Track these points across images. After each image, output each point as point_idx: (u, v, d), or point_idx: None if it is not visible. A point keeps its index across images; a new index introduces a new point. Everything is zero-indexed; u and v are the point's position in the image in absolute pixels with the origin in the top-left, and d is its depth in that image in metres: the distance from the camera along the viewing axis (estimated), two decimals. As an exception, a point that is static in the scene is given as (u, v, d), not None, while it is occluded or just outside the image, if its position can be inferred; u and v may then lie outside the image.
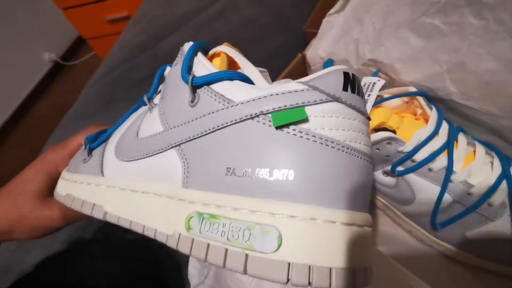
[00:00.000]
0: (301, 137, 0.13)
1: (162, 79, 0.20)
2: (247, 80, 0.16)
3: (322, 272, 0.11)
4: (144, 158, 0.18)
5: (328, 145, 0.13)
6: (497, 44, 0.22)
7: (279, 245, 0.12)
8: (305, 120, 0.13)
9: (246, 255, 0.12)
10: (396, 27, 0.26)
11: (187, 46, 0.18)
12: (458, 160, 0.23)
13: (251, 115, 0.14)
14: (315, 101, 0.13)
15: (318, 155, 0.13)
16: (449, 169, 0.23)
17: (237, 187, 0.14)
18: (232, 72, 0.15)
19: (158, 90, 0.20)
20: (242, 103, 0.14)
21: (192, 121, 0.16)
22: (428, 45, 0.24)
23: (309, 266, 0.11)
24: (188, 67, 0.17)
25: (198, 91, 0.16)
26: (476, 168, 0.23)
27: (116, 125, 0.22)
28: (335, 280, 0.11)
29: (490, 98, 0.23)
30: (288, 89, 0.14)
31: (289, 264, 0.12)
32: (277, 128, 0.13)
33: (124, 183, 0.19)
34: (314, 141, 0.13)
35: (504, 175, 0.23)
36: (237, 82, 0.15)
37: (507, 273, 0.23)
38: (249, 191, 0.13)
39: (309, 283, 0.11)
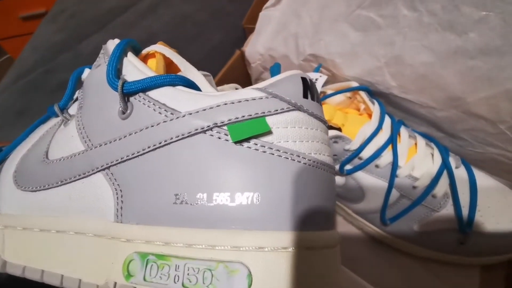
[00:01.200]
0: (264, 152, 0.12)
1: (79, 84, 0.17)
2: (192, 85, 0.14)
3: None
4: (57, 186, 0.15)
5: (294, 160, 0.12)
6: (430, 37, 0.22)
7: (249, 286, 0.10)
8: (268, 132, 0.12)
9: None
10: (333, 20, 0.24)
11: (112, 44, 0.15)
12: (402, 154, 0.22)
13: (202, 128, 0.12)
14: (276, 110, 0.12)
15: (286, 172, 0.11)
16: (394, 165, 0.22)
17: (189, 217, 0.12)
18: (174, 76, 0.13)
19: (75, 97, 0.17)
20: (190, 113, 0.12)
21: (125, 137, 0.13)
22: (365, 39, 0.24)
23: None
24: (115, 70, 0.14)
25: (131, 99, 0.13)
26: (418, 161, 0.23)
27: (14, 143, 0.18)
28: None
29: (426, 90, 0.23)
30: (245, 97, 0.12)
31: None
32: (235, 143, 0.12)
33: (28, 220, 0.15)
34: (279, 155, 0.12)
35: (444, 165, 0.23)
36: (180, 88, 0.13)
37: (453, 261, 0.24)
38: (205, 221, 0.11)
39: None
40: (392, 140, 0.24)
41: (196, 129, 0.12)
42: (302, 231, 0.11)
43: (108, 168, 0.13)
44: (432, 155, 0.24)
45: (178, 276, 0.11)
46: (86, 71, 0.16)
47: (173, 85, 0.13)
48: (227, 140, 0.12)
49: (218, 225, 0.11)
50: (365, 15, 0.24)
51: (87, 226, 0.14)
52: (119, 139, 0.13)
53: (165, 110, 0.13)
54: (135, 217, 0.13)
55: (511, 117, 0.22)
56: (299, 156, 0.12)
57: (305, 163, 0.12)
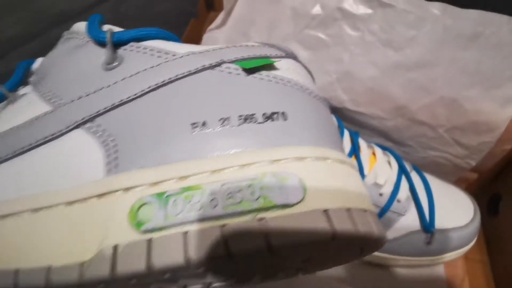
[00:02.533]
0: (277, 82, 0.12)
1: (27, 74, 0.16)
2: (176, 40, 0.14)
3: (361, 215, 0.10)
4: (2, 162, 0.12)
5: (304, 91, 0.13)
6: (373, 53, 0.24)
7: (305, 191, 0.10)
8: (274, 67, 0.13)
9: (262, 220, 0.09)
10: (283, 39, 0.25)
11: (81, 24, 0.15)
12: (364, 163, 0.23)
13: (210, 65, 0.12)
14: (276, 55, 0.13)
15: (302, 99, 0.12)
16: (361, 174, 0.22)
17: (213, 143, 0.11)
18: (168, 33, 0.14)
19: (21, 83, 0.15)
20: (194, 53, 0.12)
21: (115, 83, 0.12)
22: (316, 57, 0.25)
23: (347, 210, 0.10)
24: (99, 24, 0.14)
25: (120, 50, 0.13)
26: (379, 168, 0.24)
27: None
28: (376, 225, 0.10)
29: (375, 102, 0.25)
30: (244, 44, 0.13)
31: (326, 212, 0.09)
32: (247, 73, 0.12)
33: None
34: (291, 86, 0.12)
35: (402, 170, 0.24)
36: (171, 42, 0.13)
37: (421, 262, 0.26)
38: (231, 143, 0.11)
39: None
40: (355, 151, 0.24)
41: (203, 65, 0.12)
42: (331, 148, 0.11)
43: (92, 119, 0.12)
44: (389, 162, 0.26)
45: (215, 199, 0.09)
46: (38, 61, 0.15)
47: (166, 39, 0.13)
48: (239, 74, 0.12)
49: (249, 144, 0.11)
50: (313, 34, 0.26)
51: (56, 197, 0.11)
52: (107, 87, 0.12)
53: (165, 53, 0.12)
54: (137, 161, 0.11)
55: (447, 121, 0.25)
56: (308, 89, 0.13)
57: (309, 94, 0.13)
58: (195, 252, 0.09)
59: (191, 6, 0.41)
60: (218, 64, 0.12)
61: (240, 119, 0.11)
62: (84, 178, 0.11)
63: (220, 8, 0.31)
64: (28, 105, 0.13)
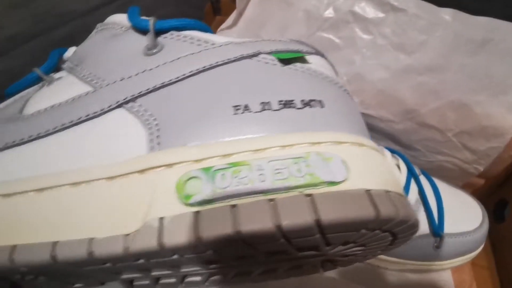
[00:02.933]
0: (310, 74, 0.13)
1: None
2: (211, 32, 0.15)
3: (399, 198, 0.10)
4: (42, 137, 0.12)
5: (335, 84, 0.13)
6: (384, 56, 0.24)
7: (348, 171, 0.10)
8: (306, 61, 0.13)
9: (309, 196, 0.09)
10: None
11: (115, 16, 0.16)
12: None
13: (248, 54, 0.13)
14: (307, 51, 0.14)
15: (334, 91, 0.13)
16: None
17: (254, 124, 0.11)
18: (204, 25, 0.15)
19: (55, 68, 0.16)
20: (232, 42, 0.13)
21: (157, 67, 0.13)
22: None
23: (386, 191, 0.10)
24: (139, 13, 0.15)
25: (160, 38, 0.14)
26: (388, 171, 0.23)
27: None
28: (412, 210, 0.10)
29: (385, 105, 0.25)
30: (277, 39, 0.14)
31: (367, 192, 0.10)
32: (283, 65, 0.13)
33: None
34: (323, 78, 0.13)
35: (410, 173, 0.24)
36: (208, 33, 0.14)
37: (429, 267, 0.25)
38: (272, 125, 0.11)
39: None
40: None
41: (242, 55, 0.13)
42: (365, 136, 0.12)
43: (134, 100, 0.13)
44: (398, 165, 0.25)
45: (263, 175, 0.10)
46: (70, 50, 0.16)
47: (203, 31, 0.14)
48: (275, 64, 0.13)
49: (289, 127, 0.11)
50: (325, 36, 0.26)
51: (96, 172, 0.11)
52: (149, 70, 0.13)
53: (204, 42, 0.13)
54: (180, 140, 0.11)
55: (455, 125, 0.25)
56: (338, 83, 0.13)
57: (344, 90, 0.13)
58: (244, 225, 0.09)
59: (198, 10, 0.41)
60: (256, 55, 0.13)
61: (280, 104, 0.12)
62: (125, 155, 0.11)
63: (226, 13, 0.32)
64: (70, 85, 0.13)
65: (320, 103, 0.12)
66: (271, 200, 0.09)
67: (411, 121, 0.27)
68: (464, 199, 0.27)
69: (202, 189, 0.10)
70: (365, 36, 0.26)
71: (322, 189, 0.09)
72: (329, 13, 0.27)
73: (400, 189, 0.11)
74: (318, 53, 0.15)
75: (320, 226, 0.09)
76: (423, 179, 0.27)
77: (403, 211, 0.10)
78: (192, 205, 0.10)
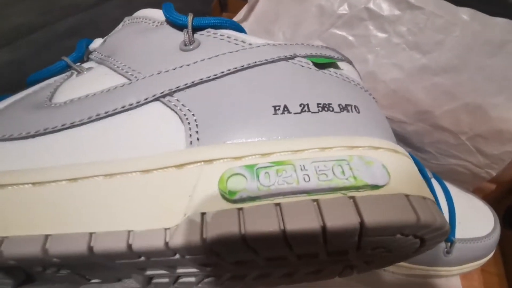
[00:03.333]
0: (343, 80, 0.13)
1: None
2: (245, 33, 0.15)
3: (434, 206, 0.10)
4: (74, 127, 0.12)
5: (365, 91, 0.14)
6: (399, 55, 0.23)
7: (389, 176, 0.10)
8: (338, 67, 0.14)
9: (352, 199, 0.09)
10: (307, 37, 0.25)
11: (146, 11, 0.16)
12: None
13: (284, 56, 0.13)
14: (339, 57, 0.14)
15: (365, 97, 0.13)
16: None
17: (293, 125, 0.12)
18: (235, 22, 0.15)
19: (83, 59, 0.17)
20: (269, 44, 0.13)
21: (195, 63, 0.13)
22: None
23: (423, 198, 0.10)
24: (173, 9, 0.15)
25: (197, 35, 0.14)
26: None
27: None
28: (445, 219, 0.10)
29: (397, 105, 0.24)
30: (310, 43, 0.14)
31: (407, 197, 0.10)
32: (318, 69, 0.13)
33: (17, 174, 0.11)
34: (355, 85, 0.13)
35: (423, 176, 0.23)
36: (243, 33, 0.15)
37: (438, 273, 0.26)
38: (310, 127, 0.12)
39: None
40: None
41: (279, 56, 0.13)
42: (396, 143, 0.12)
43: (171, 94, 0.13)
44: (410, 167, 0.25)
45: (307, 175, 0.10)
46: (96, 41, 0.16)
47: (239, 31, 0.14)
48: (310, 68, 0.13)
49: (328, 131, 0.11)
50: (338, 34, 0.26)
51: (131, 165, 0.11)
52: (187, 65, 0.13)
53: (241, 41, 0.13)
54: (219, 137, 0.12)
55: (470, 128, 0.25)
56: (367, 90, 0.14)
57: (370, 94, 0.14)
58: (290, 224, 0.09)
59: (204, 6, 0.41)
60: (292, 57, 0.13)
61: (318, 107, 0.12)
62: (162, 148, 0.12)
63: (233, 10, 0.31)
64: (103, 76, 0.13)
65: (357, 108, 0.12)
66: (314, 200, 0.09)
67: (423, 122, 0.26)
68: (476, 204, 0.26)
69: (247, 186, 0.10)
70: (379, 34, 0.25)
71: (364, 192, 0.09)
72: (343, 9, 0.26)
73: (432, 196, 0.11)
74: (347, 60, 0.15)
75: (362, 229, 0.09)
76: (434, 183, 0.26)
77: (439, 218, 0.10)
78: (236, 201, 0.10)
